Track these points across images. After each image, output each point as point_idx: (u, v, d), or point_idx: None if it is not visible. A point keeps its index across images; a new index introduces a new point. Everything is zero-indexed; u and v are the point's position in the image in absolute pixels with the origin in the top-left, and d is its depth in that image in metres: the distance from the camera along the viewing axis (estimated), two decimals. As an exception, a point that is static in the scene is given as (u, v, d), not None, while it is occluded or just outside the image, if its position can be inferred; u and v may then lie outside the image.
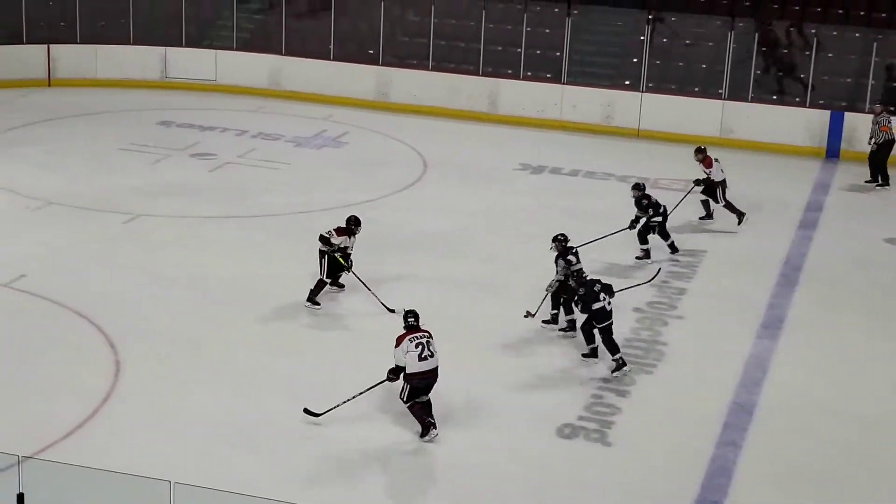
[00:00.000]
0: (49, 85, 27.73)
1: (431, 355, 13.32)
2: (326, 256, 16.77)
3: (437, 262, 18.51)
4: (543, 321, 16.24)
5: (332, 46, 28.11)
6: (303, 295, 16.75)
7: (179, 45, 28.55)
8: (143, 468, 10.72)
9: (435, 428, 13.37)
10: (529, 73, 27.14)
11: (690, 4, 28.15)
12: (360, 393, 13.63)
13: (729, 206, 20.50)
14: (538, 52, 27.31)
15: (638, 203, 18.91)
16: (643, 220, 18.84)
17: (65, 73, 27.91)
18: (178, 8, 28.47)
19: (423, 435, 13.39)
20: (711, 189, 20.40)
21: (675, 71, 26.98)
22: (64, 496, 10.57)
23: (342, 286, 17.14)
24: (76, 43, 28.15)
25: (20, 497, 8.68)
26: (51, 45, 27.87)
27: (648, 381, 15.14)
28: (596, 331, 15.20)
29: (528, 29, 27.15)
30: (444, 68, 27.57)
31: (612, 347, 15.16)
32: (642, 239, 18.94)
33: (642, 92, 26.40)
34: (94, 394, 14.09)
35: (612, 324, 15.17)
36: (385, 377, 13.54)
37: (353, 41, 28.38)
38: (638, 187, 19.05)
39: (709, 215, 20.75)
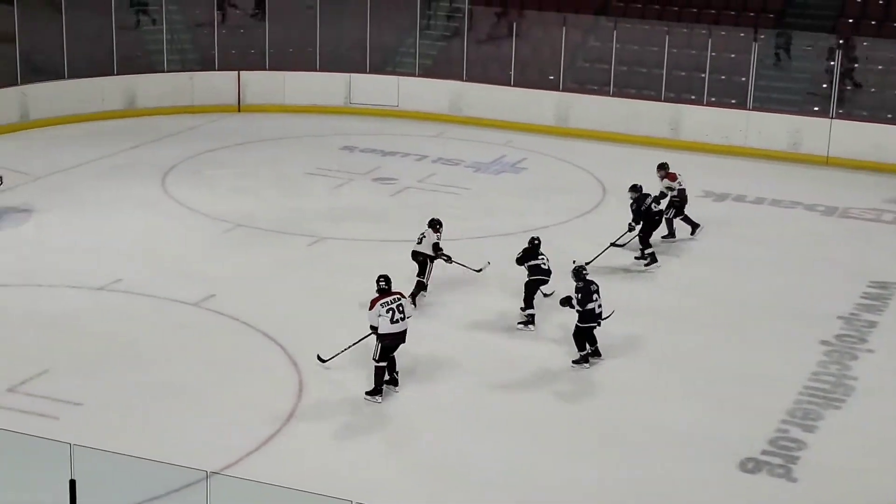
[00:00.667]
0: (239, 110, 28.50)
1: (402, 318, 14.55)
2: (432, 261, 17.57)
3: (617, 285, 18.30)
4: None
5: (512, 72, 28.20)
6: (481, 317, 16.82)
7: (363, 71, 29.02)
8: (324, 487, 10.84)
9: (391, 387, 14.76)
10: (713, 99, 26.74)
11: (884, 30, 27.35)
12: (355, 343, 15.04)
13: (686, 219, 20.60)
14: (722, 77, 26.89)
15: (634, 206, 19.32)
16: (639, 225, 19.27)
17: (254, 99, 28.66)
18: (363, 36, 28.95)
19: (369, 393, 14.59)
20: (681, 203, 20.41)
21: (867, 97, 26.25)
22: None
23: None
24: (265, 70, 28.89)
25: (208, 512, 8.90)
26: (241, 72, 28.65)
27: (836, 416, 14.68)
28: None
29: (713, 54, 26.76)
30: (624, 94, 27.38)
31: (589, 342, 15.73)
32: (644, 243, 19.29)
33: (832, 118, 25.74)
34: (279, 412, 14.36)
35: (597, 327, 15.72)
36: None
37: (533, 67, 28.42)
38: (634, 189, 19.41)
39: (671, 234, 20.56)
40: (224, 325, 16.86)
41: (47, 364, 15.37)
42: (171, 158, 24.48)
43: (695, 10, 29.00)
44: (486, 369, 15.72)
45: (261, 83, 28.75)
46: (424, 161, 25.23)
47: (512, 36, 28.34)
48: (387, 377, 14.80)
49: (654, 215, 19.48)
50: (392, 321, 14.45)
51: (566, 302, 15.91)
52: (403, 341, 14.73)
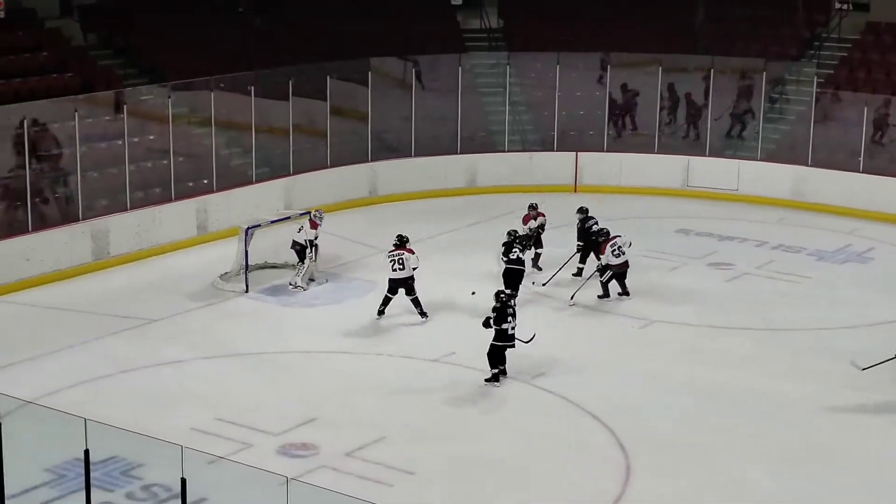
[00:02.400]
0: (575, 191, 28.84)
1: (402, 269, 19.74)
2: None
3: None
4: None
5: (861, 158, 27.26)
6: (814, 414, 16.28)
7: (703, 154, 28.81)
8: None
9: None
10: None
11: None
12: None
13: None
14: None
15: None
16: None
17: (591, 180, 28.94)
18: (704, 121, 28.78)
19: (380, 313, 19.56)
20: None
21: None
22: None
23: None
24: (602, 151, 29.16)
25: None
26: (578, 153, 29.04)
27: None
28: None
29: None
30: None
31: (499, 361, 17.23)
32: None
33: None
34: (605, 497, 14.30)
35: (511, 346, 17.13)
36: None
37: (885, 152, 27.37)
38: (581, 211, 22.18)
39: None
40: (552, 404, 16.98)
41: (386, 431, 15.93)
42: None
43: None
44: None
45: (598, 164, 29.03)
46: (763, 247, 24.70)
47: (863, 122, 27.37)
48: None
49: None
50: (392, 269, 19.72)
51: (485, 323, 17.34)
52: (402, 284, 19.72)
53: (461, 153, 28.72)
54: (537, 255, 22.61)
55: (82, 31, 27.53)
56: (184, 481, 10.57)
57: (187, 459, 12.76)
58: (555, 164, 28.98)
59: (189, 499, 10.73)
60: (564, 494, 14.37)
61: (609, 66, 29.61)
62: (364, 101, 27.68)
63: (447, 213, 26.80)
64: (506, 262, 20.67)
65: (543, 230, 22.78)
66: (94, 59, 26.81)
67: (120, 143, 23.52)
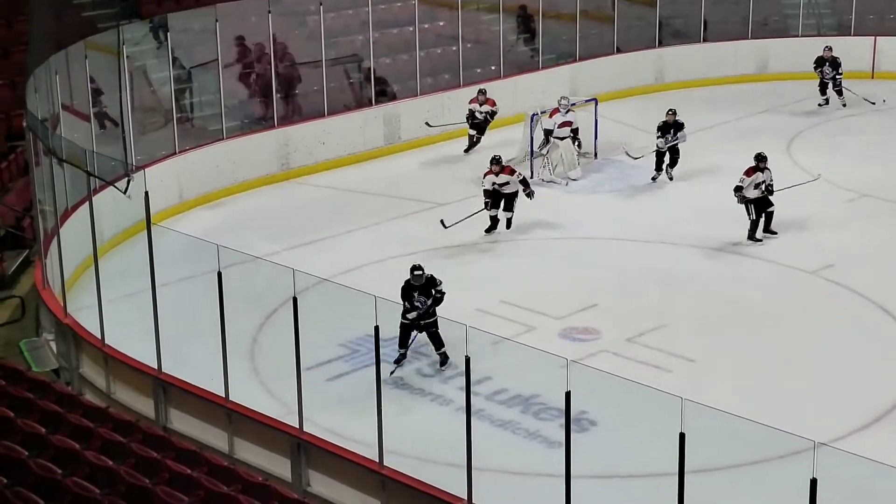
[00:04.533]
0: (872, 77, 27.60)
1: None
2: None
3: None
4: None
5: None
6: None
7: None
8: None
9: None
10: None
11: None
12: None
13: None
14: None
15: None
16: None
17: (890, 66, 27.62)
18: None
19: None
20: None
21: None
22: (852, 487, 10.69)
23: None
24: (902, 35, 27.80)
25: (813, 482, 8.88)
26: (877, 38, 27.72)
27: None
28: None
29: None
30: None
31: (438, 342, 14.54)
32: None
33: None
34: (891, 391, 13.97)
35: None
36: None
37: None
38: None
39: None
40: (841, 296, 16.60)
41: (666, 319, 15.98)
42: (799, 124, 24.31)
43: None
44: None
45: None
46: None
47: None
48: None
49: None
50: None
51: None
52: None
53: (752, 38, 27.91)
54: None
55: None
56: (468, 359, 10.94)
57: (472, 339, 13.22)
58: (851, 49, 27.76)
59: (473, 377, 11.12)
60: (848, 390, 14.11)
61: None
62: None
63: (736, 100, 26.18)
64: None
65: (493, 118, 22.52)
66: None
67: (411, 29, 24.01)
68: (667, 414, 9.66)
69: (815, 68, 25.05)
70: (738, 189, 18.14)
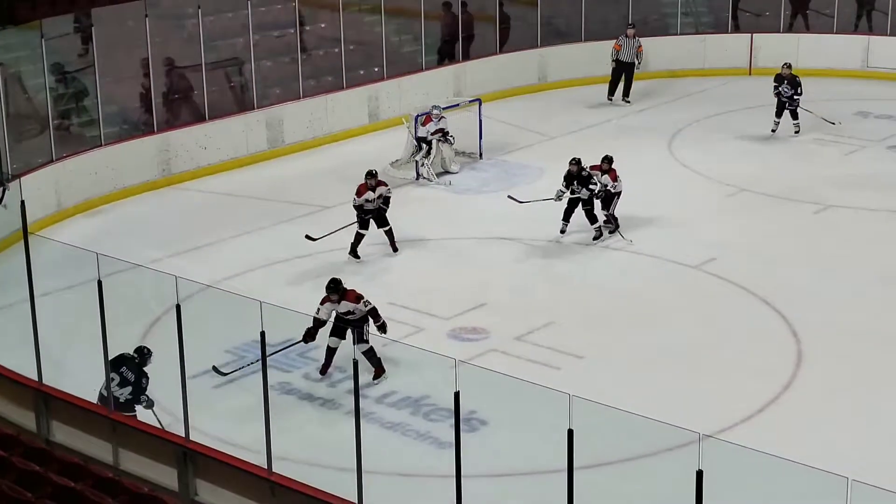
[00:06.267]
0: (750, 74, 28.13)
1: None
2: None
3: None
4: None
5: None
6: None
7: (884, 33, 27.73)
8: (818, 461, 10.64)
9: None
10: None
11: None
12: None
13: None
14: None
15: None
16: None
17: (766, 63, 28.14)
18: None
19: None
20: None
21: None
22: (738, 478, 10.82)
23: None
24: (778, 32, 28.31)
25: (699, 474, 8.97)
26: (754, 35, 28.26)
27: None
28: None
29: None
30: None
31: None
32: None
33: None
34: (774, 382, 14.22)
35: None
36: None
37: None
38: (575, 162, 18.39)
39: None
40: (724, 289, 16.86)
41: (554, 317, 16.07)
42: (679, 121, 24.66)
43: None
44: None
45: (773, 45, 28.18)
46: (949, 128, 23.85)
47: None
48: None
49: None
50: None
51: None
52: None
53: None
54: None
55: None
56: (356, 363, 10.87)
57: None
58: (729, 47, 28.28)
59: (362, 379, 11.06)
60: (732, 381, 14.33)
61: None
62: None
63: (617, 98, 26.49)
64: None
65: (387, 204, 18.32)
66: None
67: (292, 31, 23.84)
68: (556, 411, 9.68)
69: (774, 89, 23.05)
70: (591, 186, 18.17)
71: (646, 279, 17.37)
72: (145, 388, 12.87)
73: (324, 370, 14.46)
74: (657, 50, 27.88)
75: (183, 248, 18.55)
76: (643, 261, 17.87)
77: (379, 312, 14.26)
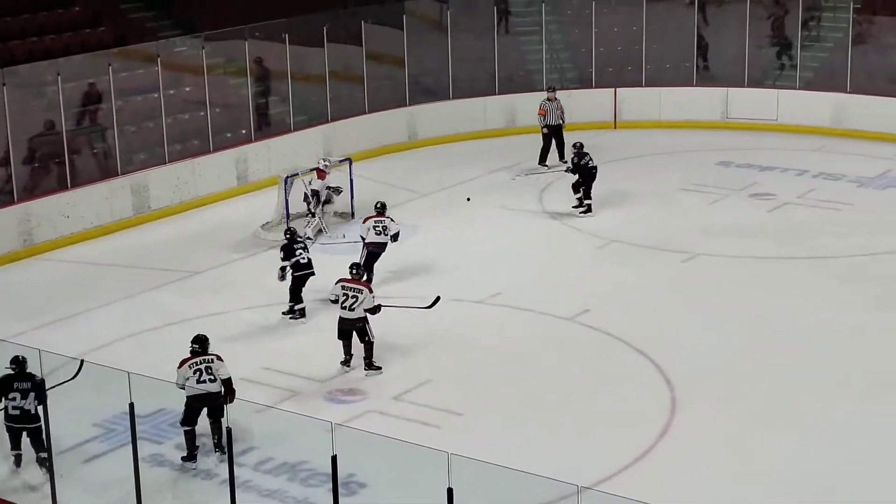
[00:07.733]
0: (615, 127, 28.61)
1: (213, 380, 13.48)
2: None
3: None
4: None
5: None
6: (860, 341, 16.11)
7: (741, 85, 28.48)
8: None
9: (194, 460, 13.44)
10: None
11: None
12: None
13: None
14: None
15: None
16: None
17: (630, 116, 28.71)
18: (741, 51, 28.41)
19: (184, 459, 13.48)
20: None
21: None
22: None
23: None
24: (641, 86, 28.87)
25: (580, 527, 8.96)
26: (617, 89, 28.78)
27: None
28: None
29: None
30: None
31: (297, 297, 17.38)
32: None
33: None
34: (651, 430, 14.30)
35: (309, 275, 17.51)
36: None
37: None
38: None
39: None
40: (598, 340, 16.96)
41: (432, 375, 15.97)
42: (548, 175, 24.89)
43: None
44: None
45: (637, 99, 28.75)
46: (804, 176, 24.45)
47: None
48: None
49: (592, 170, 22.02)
50: (198, 381, 13.46)
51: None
52: (213, 403, 13.49)
53: (499, 94, 28.54)
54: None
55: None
56: (229, 430, 10.65)
57: (235, 409, 12.90)
58: (594, 101, 28.73)
59: (237, 447, 10.83)
60: (609, 431, 14.36)
61: (645, 1, 29.24)
62: (400, 45, 27.52)
63: (487, 154, 26.66)
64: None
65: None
66: (126, 11, 26.81)
67: (156, 95, 23.54)
68: (435, 470, 9.59)
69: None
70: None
71: (521, 333, 17.39)
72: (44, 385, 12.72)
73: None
74: (523, 106, 28.18)
75: (49, 319, 18.06)
76: (518, 315, 17.91)
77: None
